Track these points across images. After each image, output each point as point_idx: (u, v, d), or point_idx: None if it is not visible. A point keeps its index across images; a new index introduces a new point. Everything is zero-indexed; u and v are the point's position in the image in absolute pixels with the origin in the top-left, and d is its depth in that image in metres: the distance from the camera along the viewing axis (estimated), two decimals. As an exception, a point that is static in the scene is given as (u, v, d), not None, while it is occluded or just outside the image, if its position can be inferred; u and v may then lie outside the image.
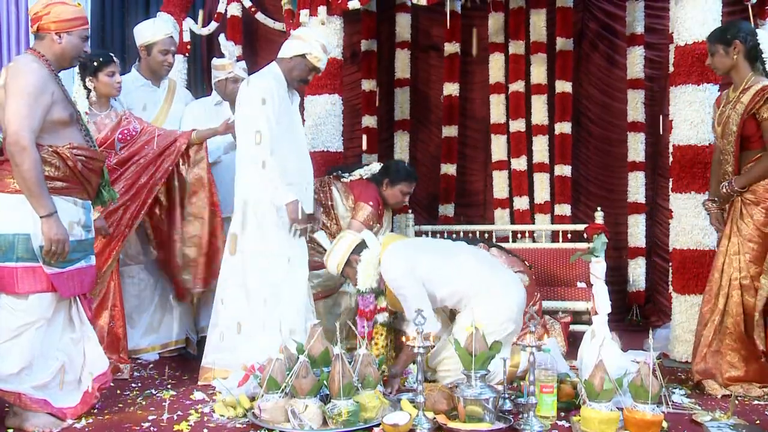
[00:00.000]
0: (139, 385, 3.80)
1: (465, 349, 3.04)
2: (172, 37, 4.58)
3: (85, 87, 4.00)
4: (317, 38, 3.91)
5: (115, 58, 4.04)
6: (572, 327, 4.72)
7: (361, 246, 3.80)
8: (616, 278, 5.60)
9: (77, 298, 3.14)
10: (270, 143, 3.71)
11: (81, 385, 3.16)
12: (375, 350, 3.89)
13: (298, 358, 3.10)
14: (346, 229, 4.24)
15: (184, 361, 4.40)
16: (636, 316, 5.59)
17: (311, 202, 3.98)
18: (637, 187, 5.67)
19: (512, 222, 5.79)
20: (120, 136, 4.07)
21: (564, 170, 5.77)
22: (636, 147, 5.67)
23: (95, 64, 3.93)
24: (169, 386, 3.77)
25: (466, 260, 3.73)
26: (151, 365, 4.28)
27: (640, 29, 5.59)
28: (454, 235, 5.25)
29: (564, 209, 5.75)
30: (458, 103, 5.99)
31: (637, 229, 5.67)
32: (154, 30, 4.55)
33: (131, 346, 4.26)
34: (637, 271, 5.68)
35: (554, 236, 5.41)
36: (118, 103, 4.34)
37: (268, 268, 3.78)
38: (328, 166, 4.78)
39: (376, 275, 3.74)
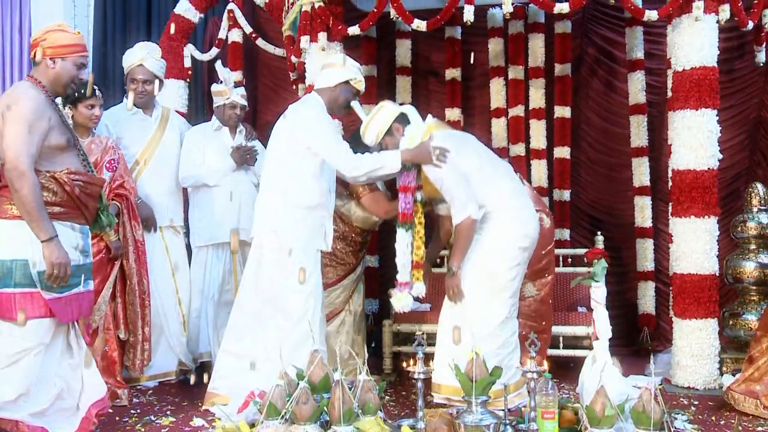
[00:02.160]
0: (138, 411, 3.78)
1: (465, 374, 3.02)
2: (142, 65, 4.48)
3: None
4: (351, 62, 3.83)
5: (97, 92, 3.99)
6: (573, 352, 4.69)
7: (403, 118, 3.66)
8: (619, 303, 5.56)
9: (75, 323, 3.13)
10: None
11: (79, 412, 3.13)
12: (421, 229, 3.73)
13: (298, 384, 3.09)
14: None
15: (184, 387, 4.38)
16: (646, 340, 5.54)
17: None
18: (642, 211, 5.66)
19: None
20: (108, 165, 4.07)
21: (563, 195, 5.77)
22: (640, 172, 5.65)
23: (76, 94, 3.86)
24: (168, 412, 3.74)
25: (504, 175, 3.69)
26: (150, 391, 4.26)
27: (639, 55, 5.61)
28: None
29: (563, 234, 5.74)
30: (461, 128, 6.00)
31: (644, 254, 5.63)
32: (125, 59, 4.56)
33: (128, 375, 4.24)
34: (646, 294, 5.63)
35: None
36: (106, 131, 4.34)
37: (288, 300, 3.67)
38: None
39: None
